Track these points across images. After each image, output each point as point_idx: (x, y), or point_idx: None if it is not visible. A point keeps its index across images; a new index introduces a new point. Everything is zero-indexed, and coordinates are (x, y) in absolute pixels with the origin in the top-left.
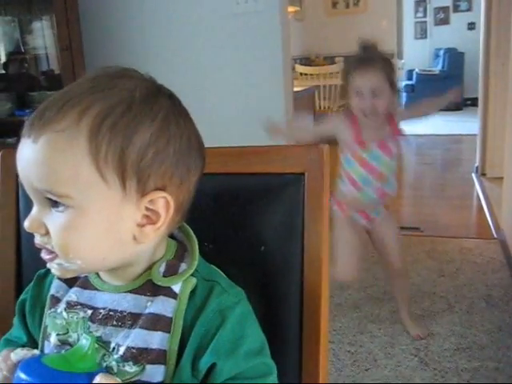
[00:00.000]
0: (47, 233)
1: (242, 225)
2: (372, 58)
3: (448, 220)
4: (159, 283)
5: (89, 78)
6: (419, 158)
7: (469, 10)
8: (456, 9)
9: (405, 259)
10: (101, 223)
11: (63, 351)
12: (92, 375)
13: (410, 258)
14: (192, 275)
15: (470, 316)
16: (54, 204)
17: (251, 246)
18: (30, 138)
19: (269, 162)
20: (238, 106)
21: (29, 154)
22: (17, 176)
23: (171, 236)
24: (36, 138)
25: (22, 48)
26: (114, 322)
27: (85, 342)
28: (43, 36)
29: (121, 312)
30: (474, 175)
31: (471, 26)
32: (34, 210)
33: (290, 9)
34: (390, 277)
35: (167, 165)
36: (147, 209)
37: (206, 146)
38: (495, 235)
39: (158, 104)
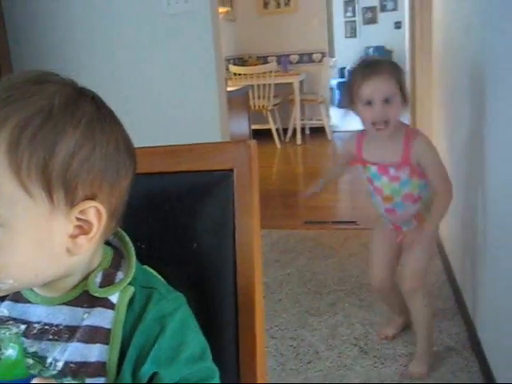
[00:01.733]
0: None
1: (174, 223)
2: (379, 62)
3: None
4: (96, 294)
5: (4, 86)
6: None
7: (395, 9)
8: (383, 8)
9: (420, 284)
10: (31, 239)
11: None
12: (27, 380)
13: (347, 251)
14: (130, 283)
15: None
16: None
17: (184, 244)
18: None
19: (197, 159)
20: (172, 106)
21: None
22: None
23: (107, 242)
24: None
25: None
26: (50, 337)
27: (11, 351)
28: None
29: (56, 326)
30: None
31: (398, 24)
32: None
33: (221, 9)
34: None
35: (95, 172)
36: (78, 219)
37: (137, 147)
38: None
39: (79, 110)
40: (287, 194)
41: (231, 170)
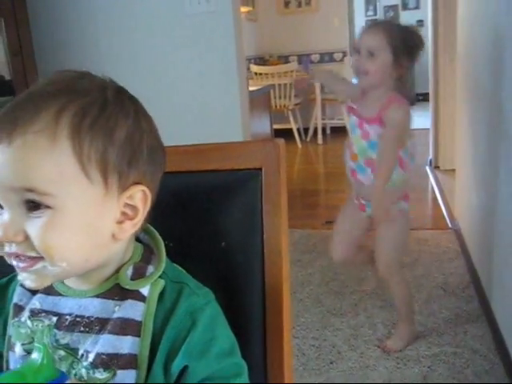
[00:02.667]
0: (25, 239)
1: (202, 222)
2: (384, 21)
3: None
4: (127, 287)
5: (49, 81)
6: None
7: (417, 7)
8: (405, 7)
9: (394, 270)
10: (83, 221)
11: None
12: (58, 381)
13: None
14: (160, 277)
15: (429, 304)
16: (32, 208)
17: (212, 243)
18: (1, 143)
19: (226, 158)
20: (194, 106)
21: (3, 157)
22: None
23: (137, 239)
24: (10, 142)
25: None
26: (81, 328)
27: (36, 354)
28: None
29: (88, 318)
30: (427, 168)
31: (420, 23)
32: (7, 217)
33: (243, 9)
34: None
35: (143, 160)
36: (126, 205)
37: (166, 145)
38: (450, 225)
39: (127, 102)
40: (308, 193)
41: (259, 169)
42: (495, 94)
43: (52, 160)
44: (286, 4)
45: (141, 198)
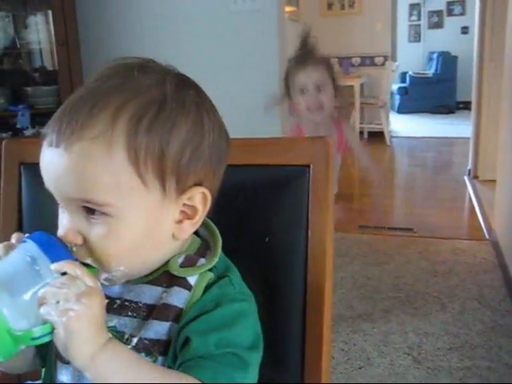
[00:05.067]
0: (84, 242)
1: (247, 217)
2: (313, 55)
3: (441, 221)
4: (175, 273)
5: (108, 73)
6: (412, 159)
7: (462, 14)
8: (450, 13)
9: None
10: (141, 228)
11: None
12: None
13: (403, 258)
14: (211, 271)
15: (463, 316)
16: (91, 212)
17: (256, 238)
18: (59, 147)
19: (274, 154)
20: (234, 105)
21: (60, 163)
22: (19, 165)
23: (196, 233)
24: (68, 147)
25: (17, 43)
26: (129, 313)
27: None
28: (38, 31)
29: (136, 303)
30: (466, 178)
31: (465, 29)
32: (67, 219)
33: (287, 9)
34: None
35: (204, 160)
36: (185, 205)
37: None
38: (487, 236)
39: (188, 98)
40: (343, 197)
41: (308, 166)
42: None
43: (108, 170)
44: (330, 6)
45: (200, 199)
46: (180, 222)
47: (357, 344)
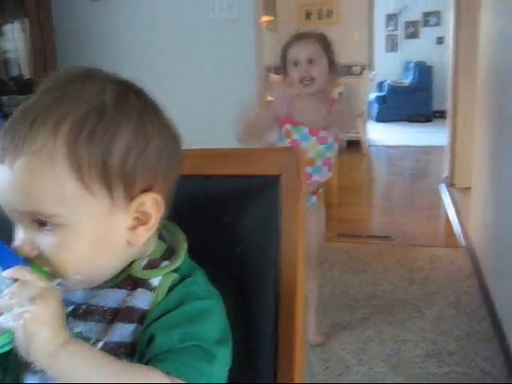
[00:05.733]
0: (40, 253)
1: (219, 227)
2: (308, 32)
3: (418, 229)
4: (137, 275)
5: (51, 85)
6: (390, 168)
7: (437, 24)
8: (425, 23)
9: (318, 263)
10: (93, 236)
11: None
12: None
13: (381, 266)
14: (175, 272)
15: (440, 323)
16: (43, 224)
17: (228, 248)
18: (4, 163)
19: (245, 164)
20: (211, 112)
21: (6, 179)
22: None
23: (162, 238)
24: (11, 163)
25: None
26: (95, 317)
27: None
28: (14, 40)
29: (101, 307)
30: (443, 185)
31: (440, 40)
32: (21, 231)
33: (265, 18)
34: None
35: (151, 164)
36: (137, 211)
37: (185, 148)
38: (464, 243)
39: (129, 104)
40: None
41: (278, 176)
42: (507, 112)
43: (53, 182)
44: (308, 15)
45: (152, 204)
46: (134, 228)
47: (335, 352)
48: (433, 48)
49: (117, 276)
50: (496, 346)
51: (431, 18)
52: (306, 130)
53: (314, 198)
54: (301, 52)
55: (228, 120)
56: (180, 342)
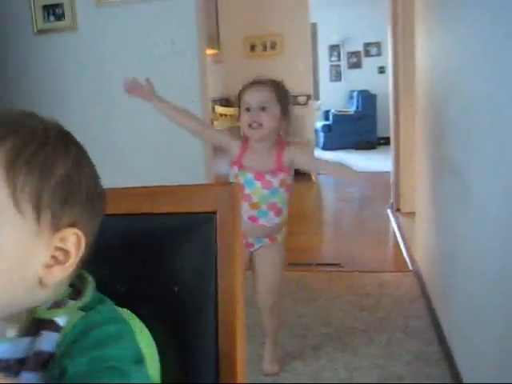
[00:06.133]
0: None
1: (155, 266)
2: (263, 78)
3: (367, 255)
4: (41, 316)
5: None
6: (338, 195)
7: (379, 54)
8: (367, 53)
9: (277, 300)
10: (11, 256)
11: None
12: None
13: (331, 293)
14: (82, 310)
15: (390, 347)
16: None
17: (165, 287)
18: None
19: (180, 201)
20: (157, 146)
21: None
22: None
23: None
24: None
25: None
26: (3, 372)
27: None
28: None
29: (6, 360)
30: (389, 211)
31: (381, 69)
32: None
33: (209, 51)
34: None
35: (80, 203)
36: (57, 248)
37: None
38: (411, 268)
39: (70, 140)
40: None
41: (214, 213)
42: (443, 139)
43: None
44: (252, 47)
45: (74, 242)
46: (50, 266)
47: (289, 382)
48: (375, 77)
49: (21, 324)
50: (445, 368)
51: (372, 48)
52: (251, 174)
53: (265, 240)
54: (253, 98)
55: (176, 155)
56: (88, 365)
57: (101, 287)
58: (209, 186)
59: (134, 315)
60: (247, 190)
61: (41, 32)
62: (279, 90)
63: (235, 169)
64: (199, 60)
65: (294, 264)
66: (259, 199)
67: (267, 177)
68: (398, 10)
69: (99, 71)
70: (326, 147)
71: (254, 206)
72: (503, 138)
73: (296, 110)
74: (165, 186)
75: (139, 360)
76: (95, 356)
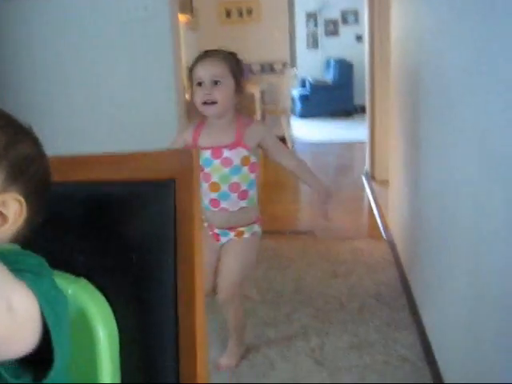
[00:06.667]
0: None
1: (113, 234)
2: (215, 50)
3: (341, 223)
4: None
5: None
6: (313, 163)
7: (356, 22)
8: (344, 21)
9: (236, 293)
10: None
11: None
12: None
13: (305, 261)
14: None
15: (362, 314)
16: None
17: (123, 256)
18: None
19: (138, 168)
20: (130, 112)
21: None
22: None
23: None
24: None
25: None
26: None
27: None
28: None
29: None
30: (364, 179)
31: (359, 38)
32: None
33: (182, 18)
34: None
35: (36, 181)
36: None
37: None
38: (384, 236)
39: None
40: None
41: (173, 180)
42: (416, 107)
43: None
44: (228, 14)
45: (15, 210)
46: None
47: (260, 351)
48: (352, 45)
49: None
50: (414, 333)
51: (349, 16)
52: (208, 152)
53: (231, 234)
54: (205, 72)
55: (147, 121)
56: None
57: (60, 257)
58: (167, 153)
59: (89, 285)
60: (206, 170)
61: None
62: (232, 62)
63: None
64: (171, 25)
65: (268, 232)
66: (219, 179)
67: (225, 153)
68: None
69: (71, 37)
70: (302, 115)
71: (214, 187)
72: (477, 107)
73: (272, 78)
74: (123, 153)
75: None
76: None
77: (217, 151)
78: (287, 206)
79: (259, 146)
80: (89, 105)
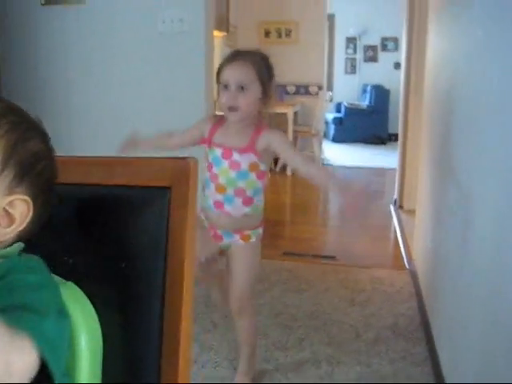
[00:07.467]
0: None
1: (104, 239)
2: (246, 51)
3: (364, 250)
4: None
5: None
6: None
7: (395, 49)
8: (384, 48)
9: (247, 303)
10: None
11: None
12: None
13: (323, 285)
14: None
15: (376, 345)
16: None
17: (112, 262)
18: None
19: (134, 173)
20: (160, 127)
21: None
22: None
23: None
24: None
25: None
26: None
27: None
28: None
29: None
30: (392, 207)
31: (397, 65)
32: None
33: (217, 33)
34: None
35: (43, 181)
36: (4, 211)
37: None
38: (407, 266)
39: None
40: (272, 223)
41: (168, 188)
42: (447, 139)
43: None
44: (267, 34)
45: (22, 211)
46: None
47: (268, 372)
48: (391, 72)
49: None
50: (428, 368)
51: (389, 42)
52: (219, 151)
53: (235, 236)
54: (232, 76)
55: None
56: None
57: (50, 258)
58: (164, 160)
59: (76, 290)
60: (215, 170)
61: (48, 3)
62: (262, 67)
63: (205, 147)
64: (206, 40)
65: (289, 253)
66: (226, 181)
67: (235, 155)
68: (414, 5)
69: (105, 46)
70: (335, 139)
71: (220, 188)
72: (507, 145)
73: (306, 100)
74: (119, 157)
75: (62, 309)
76: (13, 303)
77: (227, 152)
78: (312, 228)
79: (270, 150)
80: (119, 116)
